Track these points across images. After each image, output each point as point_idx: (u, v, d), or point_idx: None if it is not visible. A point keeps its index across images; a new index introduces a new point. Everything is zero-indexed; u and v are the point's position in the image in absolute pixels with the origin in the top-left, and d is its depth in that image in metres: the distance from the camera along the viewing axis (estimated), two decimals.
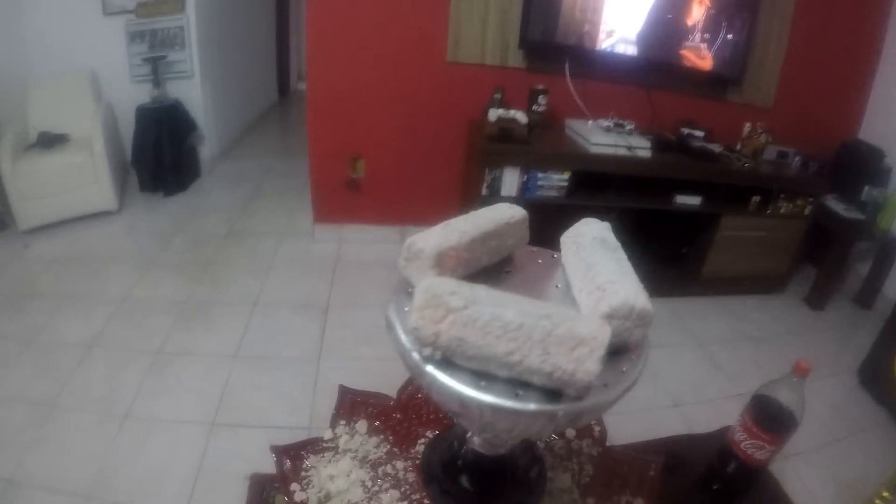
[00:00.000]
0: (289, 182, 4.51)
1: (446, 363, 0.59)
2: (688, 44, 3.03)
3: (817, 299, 3.31)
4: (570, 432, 1.22)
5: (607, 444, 1.21)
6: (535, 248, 0.87)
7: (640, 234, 3.37)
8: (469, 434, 0.80)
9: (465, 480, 0.84)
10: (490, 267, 0.78)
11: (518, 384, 0.57)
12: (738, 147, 3.18)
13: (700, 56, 3.06)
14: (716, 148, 3.06)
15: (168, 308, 2.95)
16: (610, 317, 0.62)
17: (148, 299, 3.03)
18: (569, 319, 0.55)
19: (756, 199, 3.08)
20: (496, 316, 0.54)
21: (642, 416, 2.31)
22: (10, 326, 2.78)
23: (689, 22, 2.99)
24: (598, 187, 2.97)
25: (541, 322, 0.54)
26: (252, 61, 5.98)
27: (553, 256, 0.85)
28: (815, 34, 3.19)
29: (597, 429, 1.23)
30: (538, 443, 1.06)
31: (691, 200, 3.02)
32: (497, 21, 3.11)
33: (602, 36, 2.99)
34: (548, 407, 0.56)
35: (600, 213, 3.04)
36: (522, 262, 0.84)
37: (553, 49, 3.07)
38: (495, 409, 0.56)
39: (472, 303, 0.56)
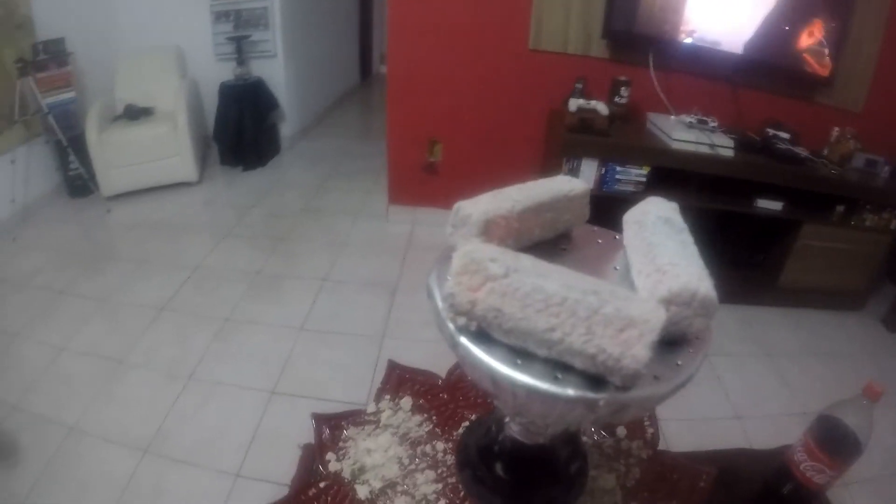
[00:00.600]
0: (366, 163, 4.55)
1: (482, 336, 0.55)
2: (777, 40, 2.85)
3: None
4: (621, 431, 1.15)
5: (659, 447, 1.15)
6: (596, 228, 0.81)
7: (717, 237, 3.22)
8: (507, 419, 0.75)
9: (499, 468, 0.80)
10: (545, 243, 0.73)
11: (558, 366, 0.52)
12: (825, 152, 2.97)
13: (789, 53, 2.87)
14: (801, 152, 2.87)
15: (240, 278, 3.03)
16: (668, 302, 0.56)
17: (221, 268, 3.12)
18: (619, 298, 0.49)
19: (840, 208, 2.87)
20: (538, 287, 0.50)
21: (701, 424, 2.21)
22: (89, 285, 2.93)
23: (780, 17, 2.80)
24: (676, 185, 2.84)
25: (587, 298, 0.49)
26: (335, 43, 6.06)
27: (615, 238, 0.79)
28: None
29: (650, 430, 1.16)
30: (584, 437, 1.01)
31: (772, 205, 2.85)
32: (581, 9, 3.02)
33: (688, 28, 2.85)
34: (588, 395, 0.51)
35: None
36: (581, 240, 0.78)
37: (637, 40, 2.95)
38: (530, 391, 0.51)
39: (514, 271, 0.51)
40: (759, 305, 3.09)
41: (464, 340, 0.55)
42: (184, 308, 2.80)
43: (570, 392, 0.50)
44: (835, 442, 1.03)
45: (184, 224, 3.59)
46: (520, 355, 0.53)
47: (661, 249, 0.62)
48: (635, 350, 0.47)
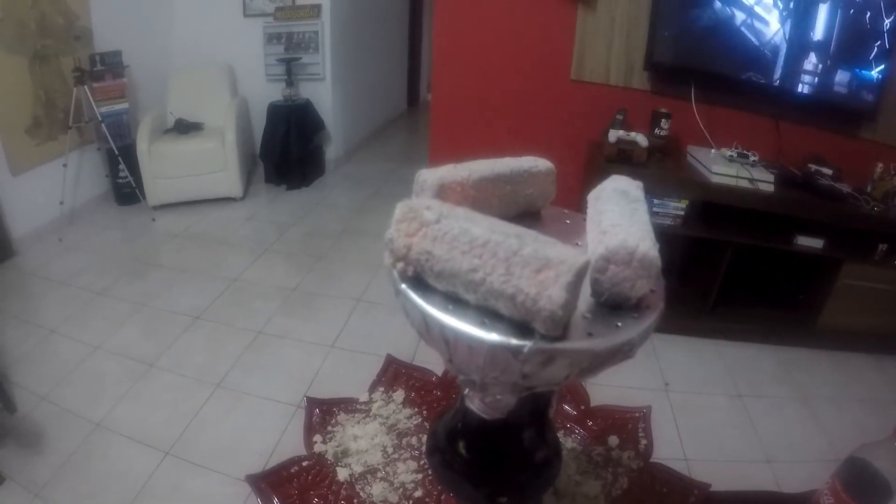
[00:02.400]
0: (408, 188, 4.48)
1: (420, 283, 0.56)
2: (820, 74, 2.79)
3: None
4: (613, 440, 1.13)
5: (652, 460, 1.11)
6: (567, 210, 0.81)
7: (755, 275, 3.12)
8: (466, 391, 0.75)
9: (463, 447, 0.79)
10: (513, 220, 0.74)
11: (488, 314, 0.53)
12: (868, 189, 2.86)
13: (833, 87, 2.80)
14: (844, 188, 2.76)
15: (275, 293, 3.09)
16: (607, 260, 0.55)
17: (258, 282, 3.19)
18: (540, 242, 0.50)
19: (883, 247, 2.73)
20: (465, 230, 0.51)
21: (729, 465, 2.11)
22: (129, 289, 3.04)
23: (823, 51, 2.75)
24: (715, 219, 2.77)
25: (508, 240, 0.49)
26: (383, 70, 6.20)
27: (583, 219, 0.79)
28: None
29: (643, 442, 1.13)
30: (559, 433, 0.99)
31: (813, 243, 2.75)
32: (623, 41, 3.03)
33: (730, 61, 2.83)
34: (511, 340, 0.51)
35: (715, 248, 2.84)
36: (549, 219, 0.78)
37: (678, 72, 2.93)
38: (457, 335, 0.52)
39: (445, 217, 0.52)
40: (797, 347, 2.95)
41: (403, 287, 0.56)
42: (218, 318, 2.86)
43: (495, 336, 0.50)
44: (863, 485, 0.97)
45: (225, 237, 3.70)
46: (453, 303, 0.54)
47: (608, 215, 0.62)
48: (551, 291, 0.47)
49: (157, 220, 3.78)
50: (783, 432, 2.41)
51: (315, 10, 4.27)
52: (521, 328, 0.52)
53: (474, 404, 0.73)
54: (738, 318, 2.97)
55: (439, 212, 0.53)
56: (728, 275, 2.87)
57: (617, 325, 0.57)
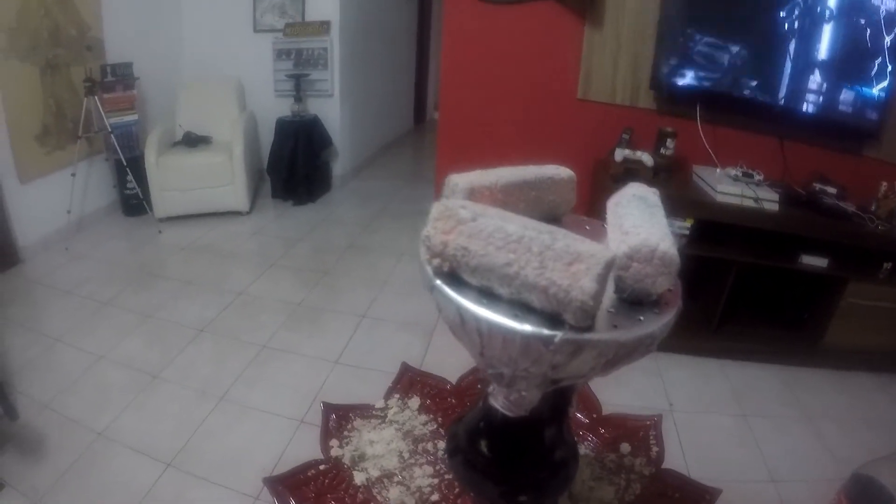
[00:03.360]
0: (415, 206, 4.61)
1: (454, 279, 0.59)
2: (823, 93, 2.84)
3: None
4: (625, 448, 1.15)
5: (663, 466, 1.13)
6: (585, 217, 0.85)
7: (760, 294, 3.14)
8: (490, 389, 0.77)
9: (485, 446, 0.81)
10: None
11: (520, 308, 0.56)
12: (873, 207, 2.89)
13: (835, 106, 2.85)
14: (848, 207, 2.80)
15: (280, 307, 3.10)
16: (630, 258, 0.58)
17: (263, 296, 3.20)
18: (571, 238, 0.53)
19: (888, 265, 2.76)
20: (500, 228, 0.54)
21: (735, 485, 2.11)
22: (135, 300, 3.05)
23: (826, 71, 2.81)
24: (720, 238, 2.80)
25: (541, 236, 0.53)
26: (391, 88, 6.26)
27: (603, 226, 0.82)
28: None
29: (654, 449, 1.15)
30: (582, 447, 1.01)
31: (817, 262, 2.77)
32: (629, 61, 3.08)
33: (735, 81, 2.88)
34: (543, 331, 0.53)
35: (720, 266, 2.85)
36: (571, 225, 0.81)
37: (684, 92, 2.97)
38: (491, 326, 0.55)
39: (480, 215, 0.55)
40: (802, 366, 2.96)
41: (438, 282, 0.59)
42: (223, 331, 2.87)
43: (528, 327, 0.53)
44: (869, 501, 0.99)
45: (231, 251, 3.72)
46: (486, 297, 0.57)
47: (629, 218, 0.65)
48: (583, 282, 0.50)
49: (163, 232, 3.81)
50: (788, 452, 2.41)
51: (324, 27, 4.34)
52: (552, 321, 0.55)
53: (498, 402, 0.75)
54: (742, 337, 2.99)
55: (474, 210, 0.56)
56: (733, 294, 2.89)
57: (640, 319, 0.60)
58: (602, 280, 0.50)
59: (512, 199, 0.71)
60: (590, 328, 0.54)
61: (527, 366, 0.57)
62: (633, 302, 0.59)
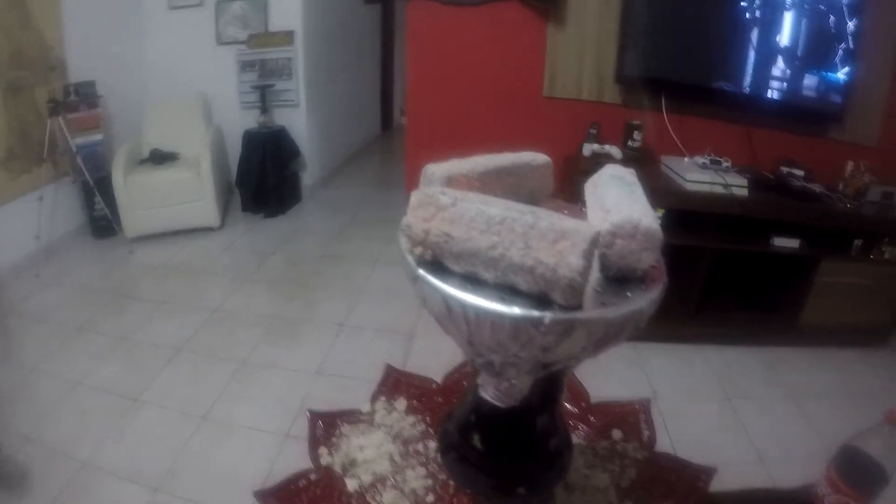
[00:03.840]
0: (386, 212, 4.64)
1: (438, 267, 0.58)
2: (788, 79, 2.90)
3: None
4: (616, 434, 1.14)
5: (656, 449, 1.13)
6: (564, 202, 0.85)
7: (735, 278, 3.19)
8: (479, 381, 0.77)
9: (477, 440, 0.80)
10: None
11: (506, 292, 0.55)
12: (840, 187, 2.96)
13: (800, 91, 2.92)
14: (816, 188, 2.86)
15: (258, 322, 3.08)
16: (613, 235, 0.58)
17: (239, 312, 3.18)
18: (554, 216, 0.53)
19: (858, 243, 2.83)
20: (481, 211, 0.53)
21: (723, 468, 2.13)
22: (108, 324, 3.00)
23: (790, 57, 2.87)
24: (692, 227, 2.84)
25: (524, 216, 0.52)
26: (357, 95, 6.32)
27: (581, 209, 0.82)
28: None
29: (646, 433, 1.15)
30: (570, 427, 1.00)
31: (789, 243, 2.83)
32: (593, 57, 3.12)
33: (699, 71, 2.92)
34: (533, 312, 0.53)
35: (695, 254, 2.91)
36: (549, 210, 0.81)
37: (649, 84, 3.02)
38: (479, 312, 0.54)
39: (461, 200, 0.55)
40: (781, 346, 3.02)
41: (422, 272, 0.58)
42: (201, 349, 2.84)
43: (516, 310, 0.52)
44: (859, 473, 1.00)
45: (204, 268, 3.68)
46: (471, 283, 0.56)
47: (609, 196, 0.65)
48: (570, 259, 0.49)
49: (134, 252, 3.76)
50: (774, 431, 2.45)
51: (288, 37, 4.34)
52: (540, 302, 0.54)
53: (488, 393, 0.75)
54: (721, 322, 3.03)
55: (454, 196, 0.56)
56: (709, 280, 2.93)
57: (627, 296, 0.59)
58: (588, 256, 0.50)
59: (489, 186, 0.70)
60: (579, 307, 0.54)
61: (517, 350, 0.56)
62: (619, 280, 0.59)
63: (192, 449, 2.24)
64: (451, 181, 0.66)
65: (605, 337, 0.57)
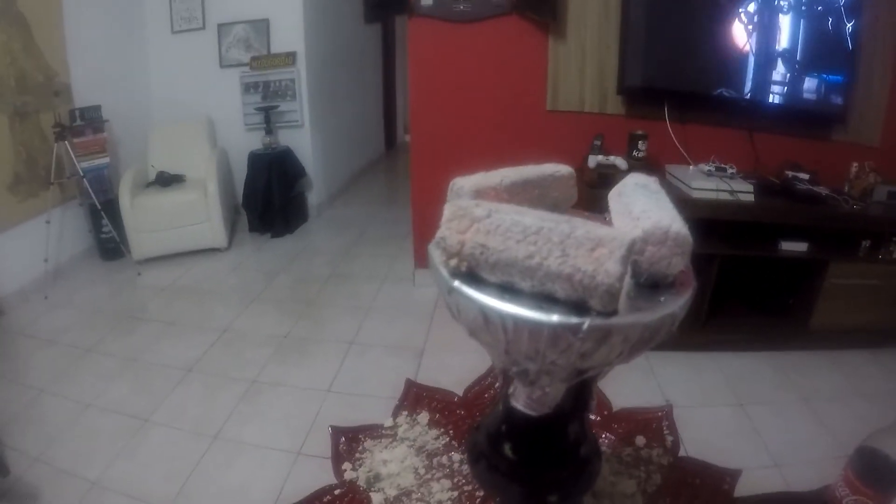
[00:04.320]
0: (392, 229, 4.64)
1: (473, 278, 0.59)
2: (788, 83, 2.92)
3: None
4: (640, 440, 1.15)
5: (682, 454, 1.14)
6: (588, 213, 0.86)
7: (744, 284, 3.18)
8: (511, 391, 0.77)
9: (509, 449, 0.81)
10: None
11: (543, 300, 0.56)
12: (846, 189, 2.96)
13: (801, 95, 2.93)
14: (822, 190, 2.86)
15: (267, 341, 3.07)
16: (644, 242, 0.59)
17: (248, 331, 3.17)
18: (589, 225, 0.54)
19: (866, 243, 2.82)
20: (516, 222, 0.54)
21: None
22: (117, 345, 2.99)
23: (790, 61, 2.89)
24: (699, 234, 2.81)
25: (560, 226, 0.53)
26: (360, 114, 6.34)
27: (605, 218, 0.83)
28: None
29: (669, 439, 1.16)
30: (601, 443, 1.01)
31: (797, 247, 2.82)
32: (595, 69, 3.13)
33: (700, 79, 2.94)
34: (571, 319, 0.54)
35: (703, 261, 2.89)
36: None
37: (651, 94, 3.03)
38: (517, 321, 0.55)
39: (495, 212, 0.56)
40: (792, 350, 3.00)
41: (457, 283, 0.59)
42: (211, 369, 2.83)
43: (555, 318, 0.53)
44: (877, 473, 1.00)
45: (212, 288, 3.68)
46: (507, 293, 0.57)
47: (637, 204, 0.66)
48: (608, 266, 0.50)
49: (142, 275, 3.76)
50: (789, 435, 2.43)
51: (290, 58, 4.36)
52: (576, 309, 0.55)
53: (520, 402, 0.75)
54: (731, 328, 3.02)
55: (489, 208, 0.57)
56: (718, 286, 2.92)
57: (660, 300, 0.60)
58: (625, 262, 0.51)
59: (517, 198, 0.72)
60: (615, 313, 0.54)
61: (554, 357, 0.56)
62: (650, 286, 0.60)
63: (203, 469, 2.22)
64: (479, 194, 0.67)
65: (640, 341, 0.58)
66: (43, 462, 2.20)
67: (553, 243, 0.53)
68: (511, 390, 0.76)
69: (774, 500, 1.28)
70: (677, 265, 0.61)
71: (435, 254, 0.65)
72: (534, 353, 0.57)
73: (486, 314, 0.57)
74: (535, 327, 0.55)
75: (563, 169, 0.79)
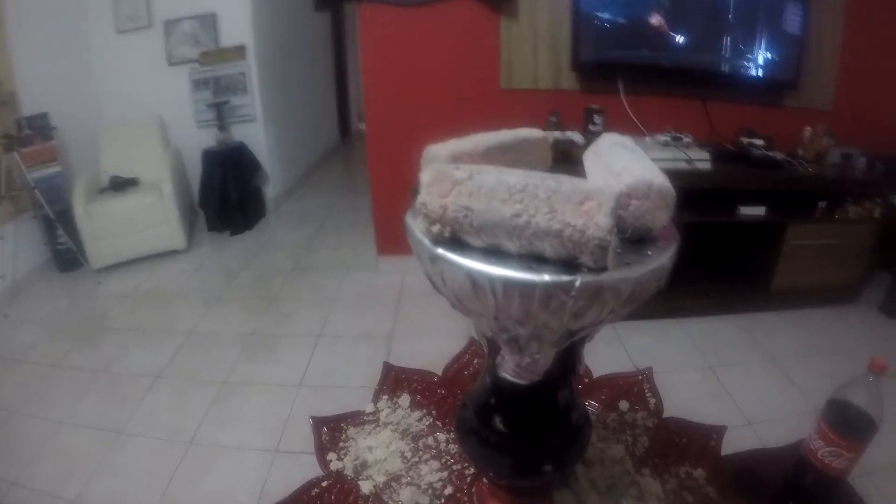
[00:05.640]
0: (352, 218, 4.57)
1: (457, 243, 0.57)
2: (740, 51, 2.97)
3: (894, 307, 3.06)
4: (623, 405, 1.15)
5: (665, 415, 1.14)
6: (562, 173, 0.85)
7: (705, 250, 3.24)
8: (498, 360, 0.76)
9: (500, 422, 0.80)
10: None
11: (530, 261, 0.55)
12: (800, 152, 3.03)
13: (752, 61, 2.99)
14: (777, 155, 2.93)
15: (234, 340, 3.01)
16: (628, 196, 0.59)
17: (214, 332, 3.10)
18: (573, 179, 0.53)
19: (822, 205, 2.90)
20: (500, 181, 0.53)
21: None
22: (83, 358, 2.90)
23: (740, 29, 2.93)
24: None
25: (545, 182, 0.52)
26: (313, 104, 6.23)
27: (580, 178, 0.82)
28: (870, 27, 3.04)
29: (652, 401, 1.17)
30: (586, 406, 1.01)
31: (755, 211, 2.89)
32: (547, 45, 3.13)
33: (650, 51, 2.97)
34: (563, 277, 0.52)
35: None
36: None
37: (605, 68, 3.04)
38: (507, 284, 0.53)
39: (477, 173, 0.54)
40: (757, 312, 3.07)
41: (441, 251, 0.57)
42: (180, 374, 2.76)
43: (546, 277, 0.52)
44: (848, 423, 1.02)
45: (175, 291, 3.59)
46: (493, 257, 0.55)
47: (616, 161, 0.66)
48: (597, 219, 0.49)
49: (102, 283, 3.64)
50: (759, 394, 2.49)
51: (240, 52, 4.25)
52: (566, 267, 0.54)
53: (508, 371, 0.74)
54: (696, 294, 3.07)
55: (469, 170, 0.55)
56: (681, 253, 2.98)
57: (648, 254, 0.60)
58: (614, 214, 0.50)
59: (492, 162, 0.70)
60: (605, 269, 0.54)
61: (546, 319, 0.55)
62: (635, 241, 0.59)
63: (183, 476, 2.17)
64: (455, 159, 0.66)
65: (631, 297, 0.57)
66: (20, 486, 2.12)
67: (540, 200, 0.51)
68: (498, 360, 0.75)
69: (747, 459, 1.30)
70: (662, 218, 0.61)
71: (414, 223, 0.64)
72: (525, 316, 0.56)
73: (473, 279, 0.55)
74: (526, 288, 0.53)
75: (535, 132, 0.78)
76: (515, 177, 0.52)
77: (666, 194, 0.58)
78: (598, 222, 0.49)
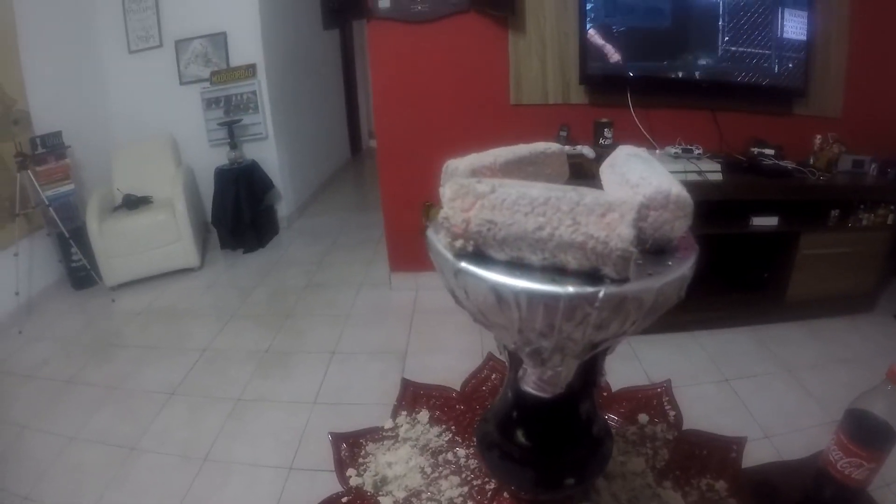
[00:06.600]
0: (364, 234, 4.59)
1: (480, 257, 0.58)
2: (748, 59, 2.98)
3: None
4: (643, 418, 1.15)
5: (684, 428, 1.14)
6: (580, 186, 0.85)
7: (719, 262, 3.23)
8: (520, 374, 0.76)
9: (522, 435, 0.80)
10: None
11: (554, 272, 0.55)
12: (811, 161, 3.02)
13: (760, 71, 2.99)
14: (788, 164, 2.92)
15: (248, 357, 3.01)
16: (647, 207, 0.59)
17: (229, 349, 3.11)
18: (595, 191, 0.53)
19: (835, 213, 2.88)
20: (523, 194, 0.53)
21: None
22: (97, 374, 2.91)
23: (747, 37, 2.94)
24: None
25: (568, 194, 0.52)
26: (324, 122, 6.27)
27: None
28: (876, 32, 3.04)
29: (671, 413, 1.16)
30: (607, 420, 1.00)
31: (768, 221, 2.87)
32: (556, 60, 3.14)
33: (659, 63, 2.98)
34: (587, 288, 0.53)
35: None
36: None
37: (613, 81, 3.05)
38: (531, 297, 0.54)
39: (499, 186, 0.55)
40: (772, 323, 3.05)
41: (464, 265, 0.57)
42: (194, 391, 2.77)
43: (570, 288, 0.52)
44: (867, 433, 1.01)
45: (188, 309, 3.61)
46: (516, 270, 0.56)
47: (633, 172, 0.66)
48: (619, 230, 0.50)
49: (116, 301, 3.67)
50: (776, 406, 2.46)
51: (250, 71, 4.30)
52: (589, 279, 0.54)
53: (530, 385, 0.74)
54: (710, 306, 3.06)
55: (491, 183, 0.55)
56: (694, 266, 2.96)
57: (668, 264, 0.60)
58: (636, 225, 0.50)
59: (511, 175, 0.71)
60: (627, 279, 0.54)
61: (570, 331, 0.56)
62: (655, 252, 0.59)
63: (196, 493, 2.17)
64: (474, 173, 0.66)
65: (653, 307, 0.58)
66: (32, 500, 2.12)
67: (563, 212, 0.52)
68: (520, 374, 0.75)
69: (766, 472, 1.29)
70: (680, 228, 0.61)
71: (436, 238, 0.64)
72: (548, 328, 0.56)
73: (498, 292, 0.56)
74: (550, 300, 0.54)
75: (554, 146, 0.79)
76: (537, 190, 0.53)
77: (684, 204, 0.59)
78: (620, 234, 0.49)
